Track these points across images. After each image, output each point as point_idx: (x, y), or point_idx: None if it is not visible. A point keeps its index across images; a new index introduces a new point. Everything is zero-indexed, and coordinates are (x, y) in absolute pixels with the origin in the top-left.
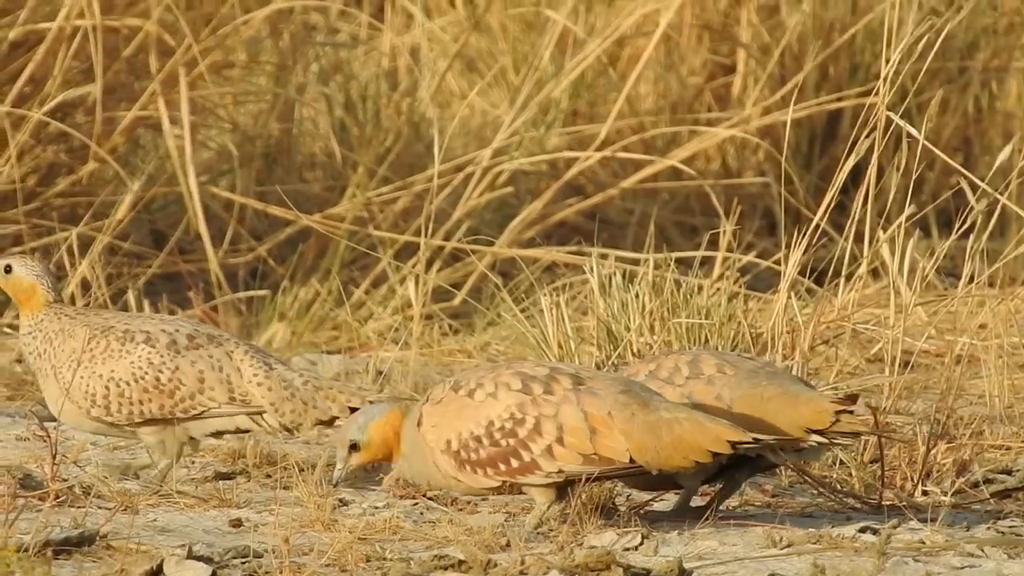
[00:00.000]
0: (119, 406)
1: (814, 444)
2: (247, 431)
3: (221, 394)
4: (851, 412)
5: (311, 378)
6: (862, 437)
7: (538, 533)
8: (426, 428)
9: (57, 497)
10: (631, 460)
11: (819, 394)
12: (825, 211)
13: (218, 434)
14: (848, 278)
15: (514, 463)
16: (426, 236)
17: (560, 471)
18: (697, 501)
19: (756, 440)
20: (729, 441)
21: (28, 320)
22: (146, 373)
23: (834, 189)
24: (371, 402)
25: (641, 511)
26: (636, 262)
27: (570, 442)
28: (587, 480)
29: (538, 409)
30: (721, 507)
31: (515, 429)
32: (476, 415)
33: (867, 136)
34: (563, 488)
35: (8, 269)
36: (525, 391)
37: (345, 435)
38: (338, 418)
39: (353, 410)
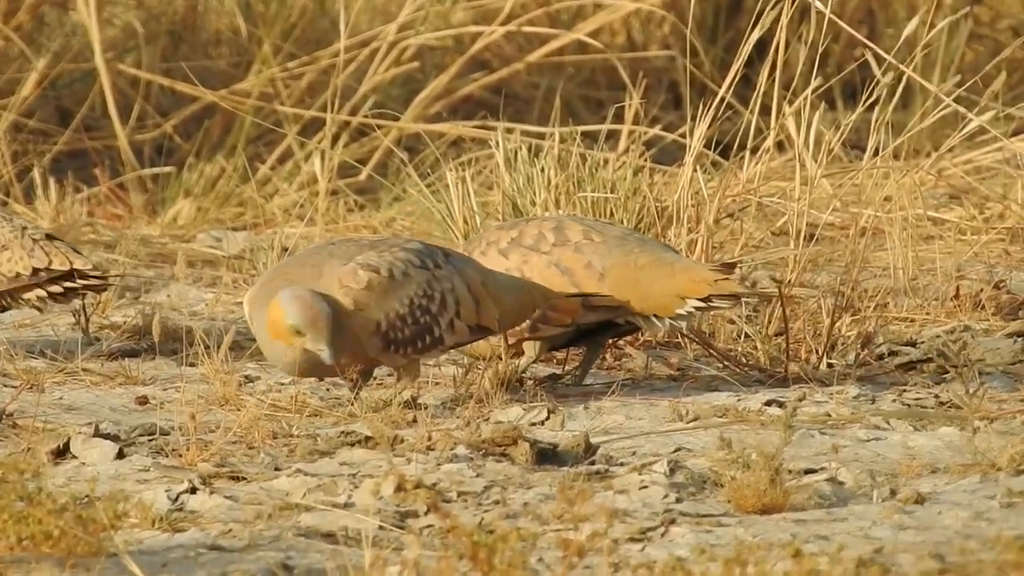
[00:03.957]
0: None
1: (691, 311)
2: None
3: None
4: (727, 279)
5: None
6: (742, 299)
7: (445, 408)
8: (352, 311)
9: None
10: (498, 326)
11: (696, 263)
12: (730, 84)
13: None
14: (754, 151)
15: (427, 340)
16: (332, 111)
17: (454, 345)
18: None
19: (580, 294)
20: (571, 295)
21: None
22: None
23: (739, 62)
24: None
25: (546, 385)
26: (542, 136)
27: (464, 314)
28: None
29: (440, 284)
30: (589, 372)
31: (428, 305)
32: (400, 294)
33: (772, 8)
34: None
35: None
36: (424, 266)
37: (324, 311)
38: None
39: None
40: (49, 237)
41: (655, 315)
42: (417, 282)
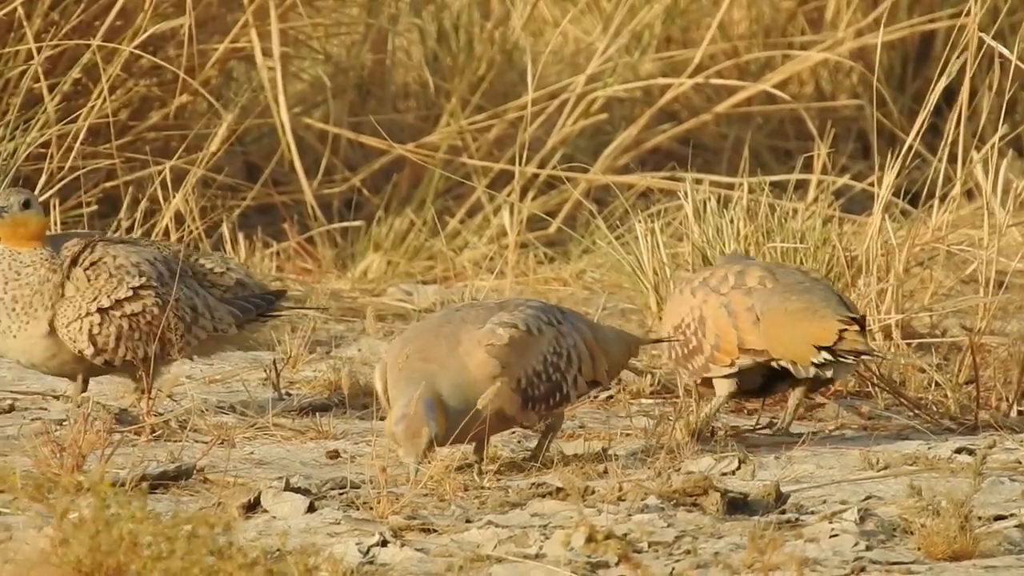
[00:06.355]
0: None
1: (824, 361)
2: None
3: None
4: (854, 330)
5: None
6: (863, 356)
7: (635, 459)
8: (496, 372)
9: (153, 431)
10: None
11: (830, 310)
12: (918, 132)
13: None
14: (942, 199)
15: (558, 396)
16: (520, 164)
17: (577, 399)
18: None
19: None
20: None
21: None
22: None
23: (926, 110)
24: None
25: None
26: (730, 187)
27: (585, 370)
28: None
29: (565, 340)
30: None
31: (558, 362)
32: (536, 351)
33: (958, 57)
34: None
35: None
36: (550, 323)
37: (422, 432)
38: None
39: None
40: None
41: (795, 362)
42: (548, 338)
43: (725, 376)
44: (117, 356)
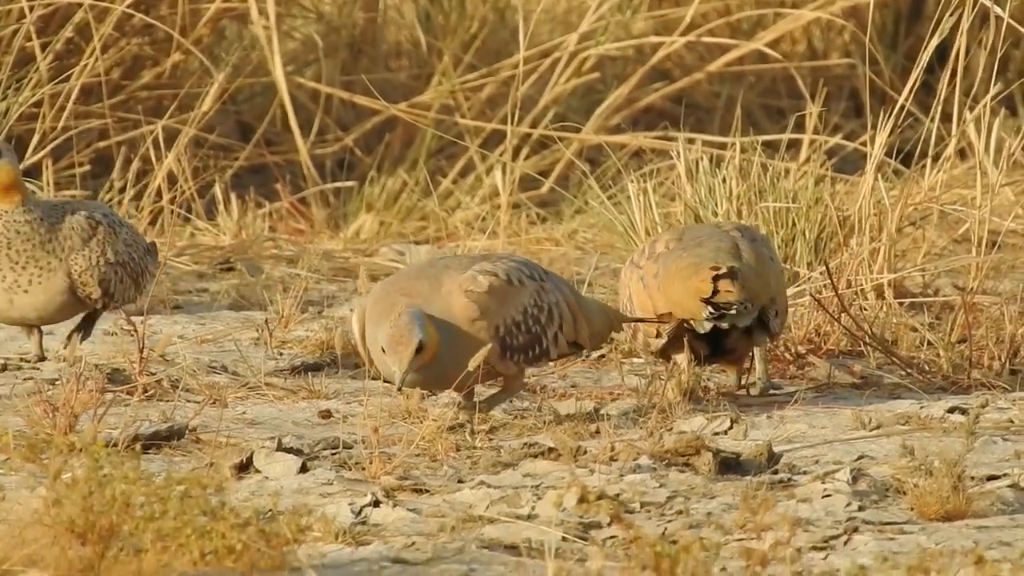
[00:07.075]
0: None
1: (709, 315)
2: None
3: None
4: (726, 279)
5: None
6: (733, 306)
7: (627, 419)
8: (475, 316)
9: (145, 391)
10: (589, 344)
11: (707, 262)
12: (910, 91)
13: None
14: (935, 159)
15: (537, 350)
16: (513, 123)
17: (555, 359)
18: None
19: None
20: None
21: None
22: None
23: (918, 68)
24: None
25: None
26: (723, 146)
27: (566, 330)
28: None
29: (547, 296)
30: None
31: (539, 316)
32: (516, 301)
33: (951, 14)
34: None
35: None
36: (532, 278)
37: (411, 338)
38: None
39: None
40: None
41: (693, 319)
42: (529, 291)
43: (668, 346)
44: (113, 300)
